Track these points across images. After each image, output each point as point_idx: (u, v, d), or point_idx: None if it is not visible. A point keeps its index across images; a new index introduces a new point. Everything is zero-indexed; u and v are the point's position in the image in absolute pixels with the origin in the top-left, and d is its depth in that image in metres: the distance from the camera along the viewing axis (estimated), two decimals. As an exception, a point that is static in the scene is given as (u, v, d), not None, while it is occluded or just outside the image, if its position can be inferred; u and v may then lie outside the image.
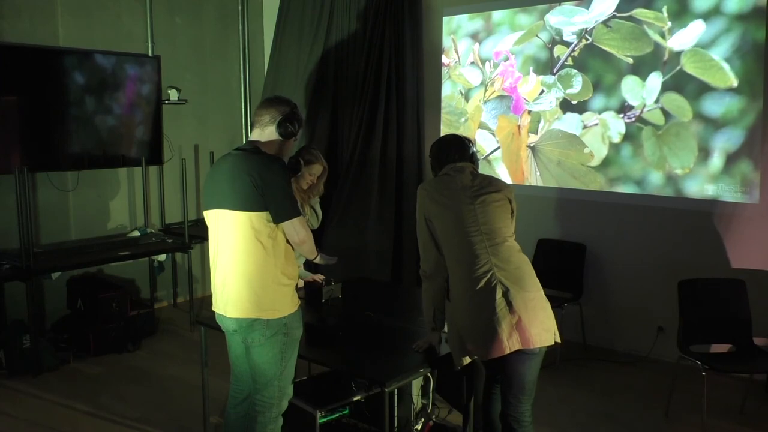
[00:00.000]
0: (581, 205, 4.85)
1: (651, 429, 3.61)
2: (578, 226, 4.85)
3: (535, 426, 2.63)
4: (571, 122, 4.84)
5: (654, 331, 4.51)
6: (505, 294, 2.47)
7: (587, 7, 4.70)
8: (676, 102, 4.38)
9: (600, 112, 4.71)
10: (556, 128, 4.91)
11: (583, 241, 4.77)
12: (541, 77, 4.95)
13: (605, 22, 4.63)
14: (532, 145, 5.04)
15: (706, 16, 4.24)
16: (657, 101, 4.45)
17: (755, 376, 3.92)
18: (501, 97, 5.18)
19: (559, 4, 4.83)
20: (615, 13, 4.59)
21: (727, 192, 4.23)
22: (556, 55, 4.88)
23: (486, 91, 5.25)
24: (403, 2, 5.38)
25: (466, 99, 5.37)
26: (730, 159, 4.22)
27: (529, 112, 5.04)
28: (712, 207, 4.30)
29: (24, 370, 4.29)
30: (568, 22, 4.79)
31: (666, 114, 4.44)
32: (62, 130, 4.87)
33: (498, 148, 5.23)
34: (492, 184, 2.70)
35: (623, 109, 4.61)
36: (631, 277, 4.64)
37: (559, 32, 4.85)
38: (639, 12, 4.49)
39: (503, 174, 5.20)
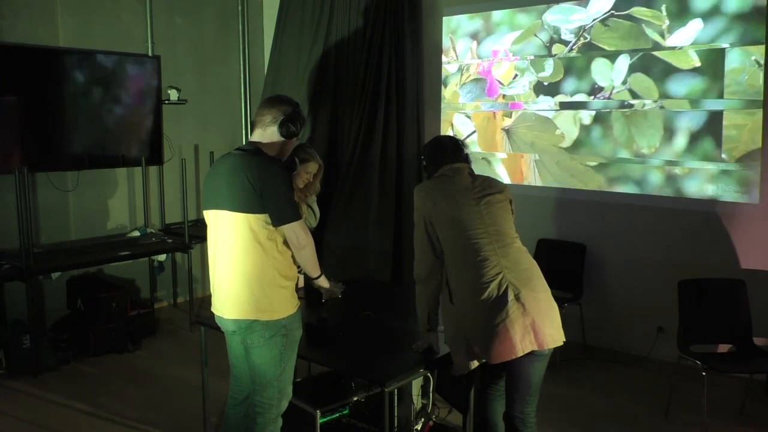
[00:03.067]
0: (581, 205, 4.85)
1: (651, 429, 3.61)
2: (578, 226, 4.85)
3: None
4: (544, 105, 4.95)
5: (654, 331, 4.51)
6: (518, 296, 2.45)
7: (585, 6, 4.72)
8: (644, 83, 4.48)
9: (572, 94, 4.80)
10: (530, 111, 5.02)
11: (583, 241, 4.77)
12: (515, 62, 5.06)
13: (603, 21, 4.64)
14: (507, 128, 5.14)
15: (706, 15, 4.25)
16: (625, 83, 4.56)
17: (755, 376, 3.91)
18: (476, 80, 5.28)
19: (557, 3, 4.83)
20: (613, 11, 4.60)
21: (726, 192, 4.24)
22: (554, 53, 4.89)
23: (462, 75, 5.33)
24: (403, 2, 5.37)
25: (445, 85, 5.47)
26: (693, 138, 4.34)
27: (504, 96, 5.13)
28: (712, 207, 4.30)
29: (24, 370, 4.29)
30: (566, 20, 4.82)
31: (634, 95, 4.54)
32: (62, 130, 4.87)
33: (474, 132, 5.33)
34: (492, 185, 2.69)
35: (593, 91, 4.71)
36: (631, 277, 4.64)
37: (557, 31, 4.87)
38: (637, 10, 4.51)
39: (502, 175, 5.23)
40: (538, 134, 4.99)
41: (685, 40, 4.33)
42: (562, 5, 4.81)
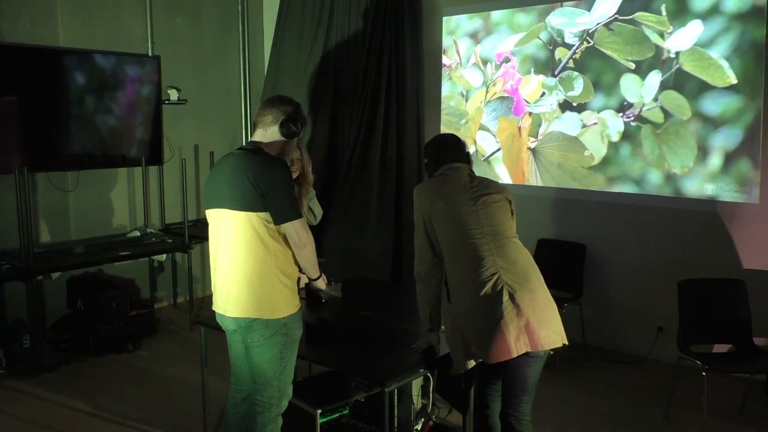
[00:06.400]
0: (581, 205, 4.85)
1: (651, 429, 3.61)
2: (578, 226, 4.85)
3: (534, 425, 2.64)
4: (570, 121, 4.84)
5: (654, 331, 4.51)
6: (512, 296, 2.44)
7: (588, 9, 4.70)
8: (676, 101, 4.39)
9: (599, 110, 4.71)
10: (557, 130, 4.90)
11: (583, 241, 4.77)
12: (542, 78, 4.95)
13: (607, 25, 4.63)
14: (532, 147, 5.04)
15: (705, 15, 4.24)
16: (656, 100, 4.46)
17: (755, 376, 3.92)
18: (502, 98, 5.18)
19: (561, 5, 4.82)
20: (617, 15, 4.58)
21: (726, 192, 4.23)
22: (557, 57, 4.87)
23: (487, 92, 5.26)
24: (403, 2, 5.37)
25: (466, 99, 5.37)
26: (729, 158, 4.22)
27: (530, 114, 5.04)
28: (712, 207, 4.30)
29: (24, 370, 4.29)
30: (570, 23, 4.79)
31: (665, 113, 4.44)
32: (62, 130, 4.87)
33: (498, 149, 5.23)
34: (490, 185, 2.69)
35: (622, 107, 4.61)
36: (631, 277, 4.64)
37: (560, 33, 4.84)
38: (640, 15, 4.48)
39: (504, 175, 5.20)
40: (565, 155, 4.88)
41: (685, 42, 4.31)
42: (566, 7, 4.80)
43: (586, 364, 4.47)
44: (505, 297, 2.44)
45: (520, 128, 5.10)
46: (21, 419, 3.70)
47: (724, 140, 4.23)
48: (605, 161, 4.72)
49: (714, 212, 4.29)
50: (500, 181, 5.07)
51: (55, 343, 4.60)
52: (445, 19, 5.45)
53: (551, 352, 2.57)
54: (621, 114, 4.61)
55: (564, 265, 4.74)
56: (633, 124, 4.57)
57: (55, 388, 4.11)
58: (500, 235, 2.56)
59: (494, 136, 5.25)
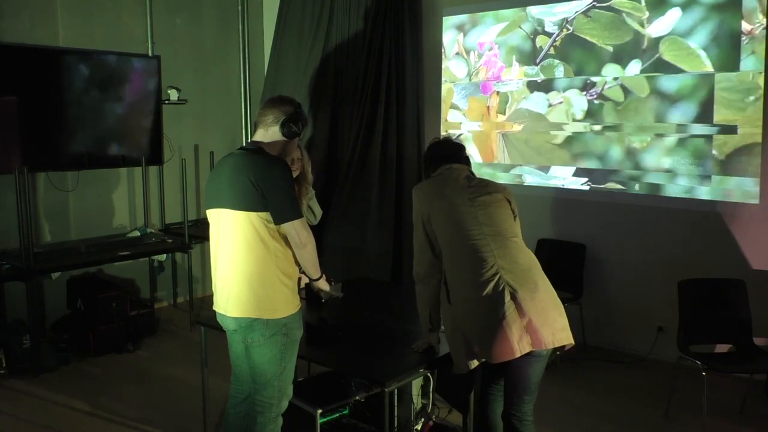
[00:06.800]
0: (581, 205, 4.85)
1: (651, 429, 3.61)
2: (578, 226, 4.85)
3: (535, 425, 2.64)
4: (536, 101, 5.00)
5: (654, 331, 4.51)
6: (514, 297, 2.44)
7: None
8: (634, 79, 4.53)
9: (564, 90, 4.85)
10: (524, 108, 5.06)
11: (583, 241, 4.77)
12: (525, 68, 5.05)
13: (585, 12, 4.71)
14: (500, 125, 5.20)
15: (683, 5, 4.33)
16: (616, 79, 4.61)
17: (755, 376, 3.92)
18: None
19: (557, 2, 4.86)
20: (594, 2, 4.68)
21: (682, 165, 4.36)
22: (538, 45, 4.96)
23: (471, 81, 5.36)
24: (403, 2, 5.38)
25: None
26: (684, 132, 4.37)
27: (498, 93, 5.15)
28: (712, 207, 4.31)
29: (24, 370, 4.29)
30: (549, 12, 4.90)
31: (625, 90, 4.58)
32: (62, 130, 4.87)
33: (469, 129, 5.39)
34: (489, 185, 2.70)
35: (586, 86, 4.74)
36: (631, 277, 4.64)
37: (540, 23, 4.95)
38: (617, 2, 4.59)
39: (474, 154, 5.34)
40: (532, 132, 5.03)
41: (664, 29, 4.40)
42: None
43: (586, 364, 4.48)
44: (507, 297, 2.44)
45: (488, 107, 5.21)
46: (21, 419, 3.71)
47: (680, 115, 4.36)
48: (570, 138, 4.83)
49: (714, 212, 4.30)
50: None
51: (55, 343, 4.60)
52: (445, 18, 5.45)
53: (558, 352, 2.57)
54: (584, 93, 4.75)
55: (564, 265, 4.74)
56: (596, 102, 4.69)
57: (55, 388, 4.11)
58: (500, 236, 2.56)
59: (465, 115, 5.38)
